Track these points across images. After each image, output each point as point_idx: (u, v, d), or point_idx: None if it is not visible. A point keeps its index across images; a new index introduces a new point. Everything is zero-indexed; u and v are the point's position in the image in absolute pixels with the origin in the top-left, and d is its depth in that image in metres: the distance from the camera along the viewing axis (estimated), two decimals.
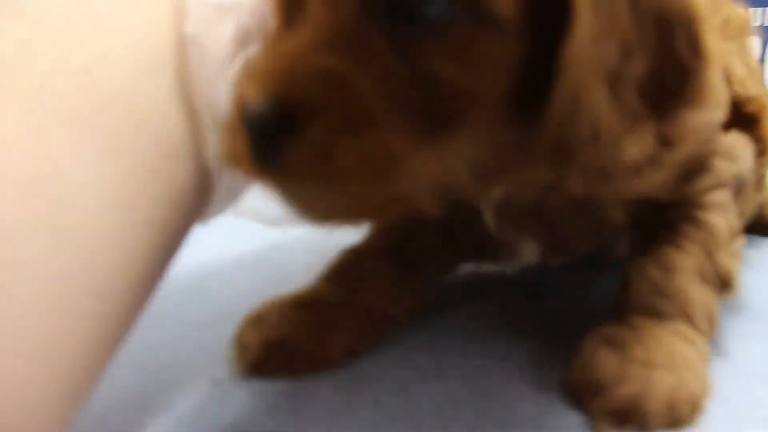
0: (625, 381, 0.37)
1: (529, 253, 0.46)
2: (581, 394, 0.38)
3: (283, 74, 0.27)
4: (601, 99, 0.29)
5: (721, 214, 0.42)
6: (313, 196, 0.29)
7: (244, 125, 0.27)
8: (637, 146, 0.31)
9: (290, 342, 0.42)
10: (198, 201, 0.34)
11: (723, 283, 0.42)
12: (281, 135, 0.27)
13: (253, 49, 0.32)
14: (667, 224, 0.42)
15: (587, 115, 0.29)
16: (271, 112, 0.27)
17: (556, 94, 0.29)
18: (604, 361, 0.38)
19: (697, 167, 0.41)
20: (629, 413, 0.36)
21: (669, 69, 0.31)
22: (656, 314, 0.40)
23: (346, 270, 0.45)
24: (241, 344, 0.42)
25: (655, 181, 0.33)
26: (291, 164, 0.27)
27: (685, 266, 0.41)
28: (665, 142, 0.32)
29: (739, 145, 0.44)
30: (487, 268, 0.52)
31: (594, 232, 0.46)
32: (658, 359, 0.38)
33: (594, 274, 0.56)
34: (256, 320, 0.43)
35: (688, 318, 0.40)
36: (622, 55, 0.30)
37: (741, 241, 0.45)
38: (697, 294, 0.41)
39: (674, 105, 0.32)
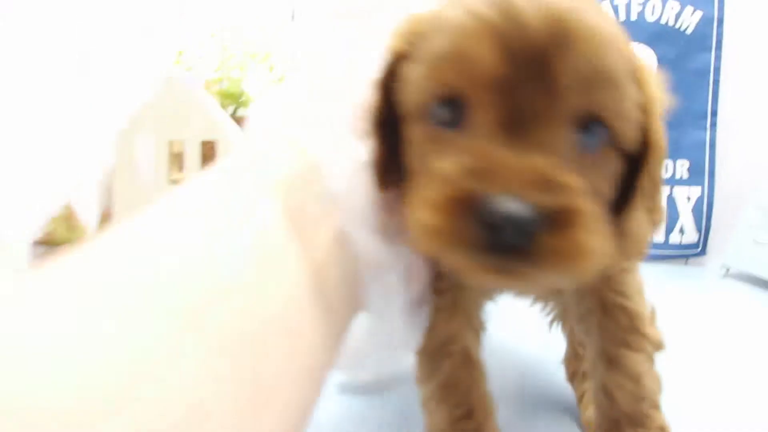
0: None
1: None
2: None
3: (536, 182, 0.34)
4: (641, 207, 0.42)
5: (640, 293, 0.54)
6: (544, 278, 0.36)
7: (481, 218, 0.34)
8: (647, 230, 0.43)
9: None
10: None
11: (657, 348, 0.54)
12: (536, 231, 0.34)
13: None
14: (613, 312, 0.53)
15: (641, 218, 0.43)
16: (532, 214, 0.33)
17: (635, 202, 0.41)
18: None
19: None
20: None
21: (657, 180, 0.43)
22: (640, 421, 0.52)
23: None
24: None
25: (644, 252, 0.45)
26: (544, 255, 0.34)
27: (641, 366, 0.52)
28: (655, 223, 0.45)
29: None
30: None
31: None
32: None
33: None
34: None
35: (655, 406, 0.53)
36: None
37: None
38: (654, 381, 0.53)
39: (657, 204, 0.44)
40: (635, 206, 0.42)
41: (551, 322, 0.65)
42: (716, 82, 1.71)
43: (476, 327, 0.57)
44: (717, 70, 1.71)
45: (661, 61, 1.70)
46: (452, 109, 0.39)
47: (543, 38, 0.36)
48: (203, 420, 0.29)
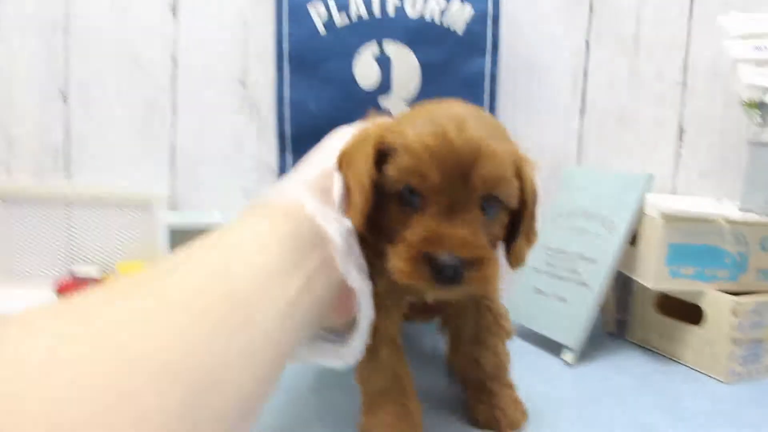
0: (507, 415, 0.91)
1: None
2: (486, 425, 0.91)
3: (462, 245, 0.67)
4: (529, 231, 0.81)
5: (500, 301, 0.96)
6: (467, 291, 0.70)
7: (432, 265, 0.67)
8: (526, 248, 0.81)
9: None
10: None
11: (509, 336, 0.96)
12: (462, 270, 0.67)
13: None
14: (484, 312, 0.93)
15: (525, 238, 0.80)
16: (459, 262, 0.67)
17: (521, 235, 0.79)
18: (492, 411, 0.91)
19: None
20: (513, 425, 0.90)
21: (532, 216, 0.81)
22: (497, 379, 0.93)
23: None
24: None
25: (523, 263, 0.82)
26: (465, 281, 0.68)
27: (499, 346, 0.94)
28: (530, 245, 0.82)
29: None
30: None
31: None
32: (510, 400, 0.93)
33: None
34: None
35: (506, 371, 0.94)
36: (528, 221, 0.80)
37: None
38: (506, 356, 0.95)
39: (533, 232, 0.82)
40: (519, 237, 0.79)
41: (441, 326, 1.05)
42: (492, 92, 1.43)
43: (399, 329, 0.89)
44: (493, 77, 1.43)
45: (427, 67, 1.30)
46: (414, 198, 0.72)
47: (465, 160, 0.69)
48: None
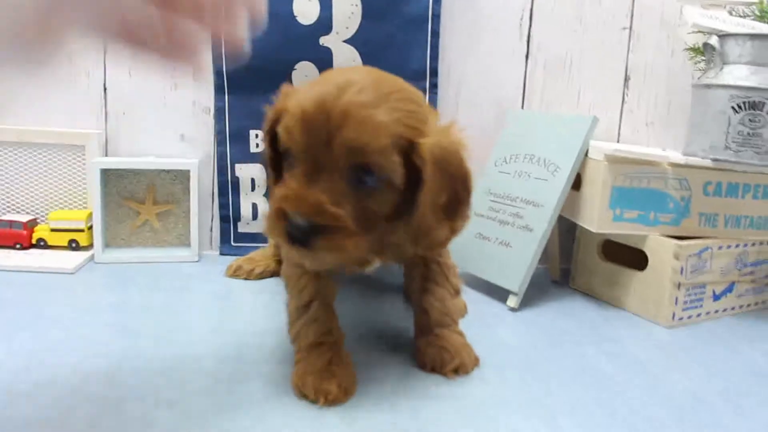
0: (455, 357, 0.91)
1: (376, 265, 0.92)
2: (433, 367, 0.92)
3: (313, 209, 0.71)
4: (430, 215, 0.77)
5: (450, 258, 1.00)
6: (321, 258, 0.73)
7: (286, 226, 0.72)
8: (442, 232, 0.80)
9: None
10: None
11: (457, 293, 0.99)
12: (311, 234, 0.71)
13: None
14: (431, 265, 0.97)
15: (425, 222, 0.77)
16: (307, 225, 0.70)
17: (415, 215, 0.76)
18: (439, 353, 0.92)
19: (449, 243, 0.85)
20: (461, 368, 0.91)
21: (456, 199, 0.79)
22: (445, 325, 0.95)
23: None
24: None
25: (442, 245, 0.83)
26: (315, 247, 0.71)
27: (445, 295, 0.96)
28: (453, 231, 0.81)
29: None
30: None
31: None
32: (458, 344, 0.94)
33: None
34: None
35: (454, 321, 0.97)
36: (438, 195, 0.77)
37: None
38: (454, 306, 0.97)
39: (457, 215, 0.81)
40: (416, 215, 0.77)
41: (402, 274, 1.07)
42: (435, 32, 1.39)
43: (332, 287, 0.93)
44: (436, 17, 1.38)
45: (369, 5, 1.22)
46: (290, 157, 0.77)
47: (332, 124, 0.72)
48: None
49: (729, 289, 1.24)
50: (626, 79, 1.47)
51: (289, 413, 0.79)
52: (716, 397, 0.89)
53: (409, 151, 0.75)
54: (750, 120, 1.16)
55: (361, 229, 0.74)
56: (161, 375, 0.87)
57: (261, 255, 1.35)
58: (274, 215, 0.73)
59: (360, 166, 0.73)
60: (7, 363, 0.88)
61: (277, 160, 0.83)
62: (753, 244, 1.25)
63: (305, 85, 0.79)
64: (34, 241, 1.38)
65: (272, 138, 0.83)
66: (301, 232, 0.71)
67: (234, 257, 1.38)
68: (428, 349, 0.93)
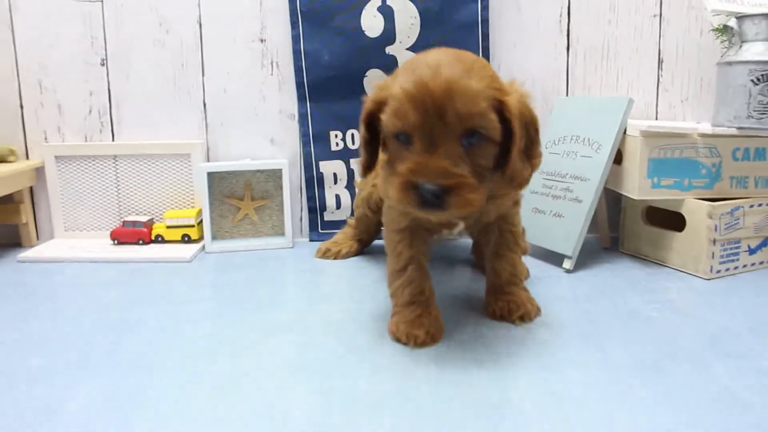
0: (521, 307, 1.10)
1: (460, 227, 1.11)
2: (501, 315, 1.11)
3: (440, 173, 0.85)
4: (519, 159, 0.93)
5: (520, 223, 1.17)
6: (452, 214, 0.88)
7: (417, 192, 0.85)
8: (526, 171, 0.95)
9: None
10: None
11: (525, 253, 1.25)
12: (443, 195, 0.84)
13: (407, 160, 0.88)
14: (504, 233, 1.13)
15: (517, 166, 0.93)
16: (439, 188, 0.84)
17: (510, 161, 0.92)
18: (507, 304, 1.11)
19: (519, 201, 1.14)
20: (525, 315, 1.10)
21: (531, 142, 0.96)
22: (513, 284, 1.13)
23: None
24: None
25: (527, 182, 0.97)
26: (448, 205, 0.85)
27: (515, 259, 1.14)
28: (533, 167, 0.97)
29: None
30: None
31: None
32: (523, 297, 1.13)
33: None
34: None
35: (521, 280, 1.15)
36: (522, 138, 0.93)
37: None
38: (521, 268, 1.18)
39: (534, 154, 0.97)
40: (510, 161, 0.91)
41: (471, 236, 1.36)
42: (485, 34, 1.58)
43: (425, 250, 1.08)
44: (485, 21, 1.58)
45: (426, 15, 1.53)
46: (405, 136, 0.89)
47: (439, 99, 0.84)
48: None
49: (764, 244, 1.40)
50: (660, 61, 1.63)
51: (388, 355, 0.99)
52: (746, 330, 1.05)
53: (499, 109, 0.88)
54: None
55: (478, 181, 0.88)
56: (287, 330, 1.09)
57: (343, 237, 1.56)
58: (403, 187, 0.86)
59: (469, 130, 0.86)
60: (162, 321, 1.11)
61: (372, 143, 0.99)
62: None
63: (397, 74, 0.92)
64: (153, 237, 1.63)
65: (368, 124, 0.97)
66: (433, 195, 0.83)
67: (322, 242, 1.60)
68: (498, 302, 1.12)
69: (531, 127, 0.95)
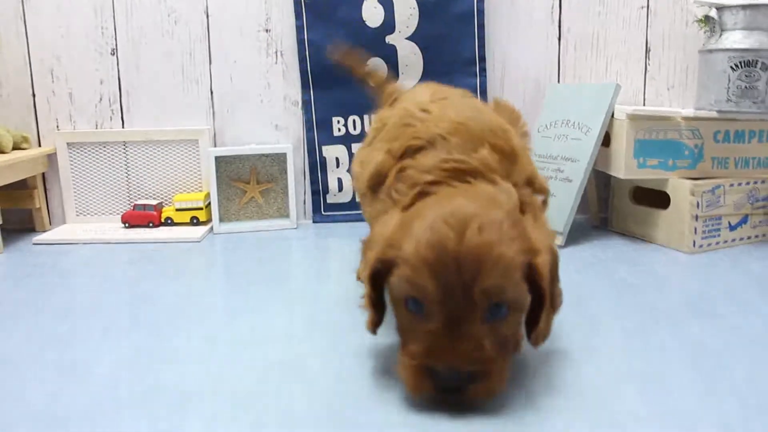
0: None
1: None
2: None
3: (464, 359, 0.71)
4: (546, 321, 0.81)
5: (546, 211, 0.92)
6: (474, 402, 0.74)
7: (436, 381, 0.72)
8: (549, 323, 0.82)
9: None
10: None
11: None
12: (466, 383, 0.71)
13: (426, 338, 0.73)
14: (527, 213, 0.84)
15: (547, 327, 0.80)
16: (461, 375, 0.71)
17: (540, 327, 0.79)
18: None
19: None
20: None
21: (553, 289, 0.83)
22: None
23: None
24: None
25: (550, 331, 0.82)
26: (471, 394, 0.72)
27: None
28: (555, 310, 0.83)
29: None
30: None
31: None
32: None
33: None
34: None
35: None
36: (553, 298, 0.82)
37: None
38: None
39: (555, 297, 0.83)
40: (539, 327, 0.78)
41: None
42: (481, 26, 1.66)
43: None
44: (480, 12, 1.66)
45: (424, 6, 1.64)
46: (417, 304, 0.73)
47: (466, 272, 0.69)
48: None
49: (743, 221, 1.48)
50: (647, 50, 1.71)
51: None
52: (721, 296, 1.14)
53: (529, 273, 0.74)
54: (746, 76, 1.40)
55: (504, 358, 0.75)
56: (296, 301, 1.16)
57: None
58: (418, 372, 0.73)
59: (497, 305, 0.72)
60: (179, 293, 1.19)
61: (380, 300, 0.83)
62: (763, 182, 1.48)
63: (407, 221, 0.77)
64: (162, 220, 1.70)
65: (374, 282, 0.80)
66: (454, 383, 0.71)
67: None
68: None
69: (557, 270, 0.82)
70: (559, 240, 1.46)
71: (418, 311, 0.73)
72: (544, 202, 0.92)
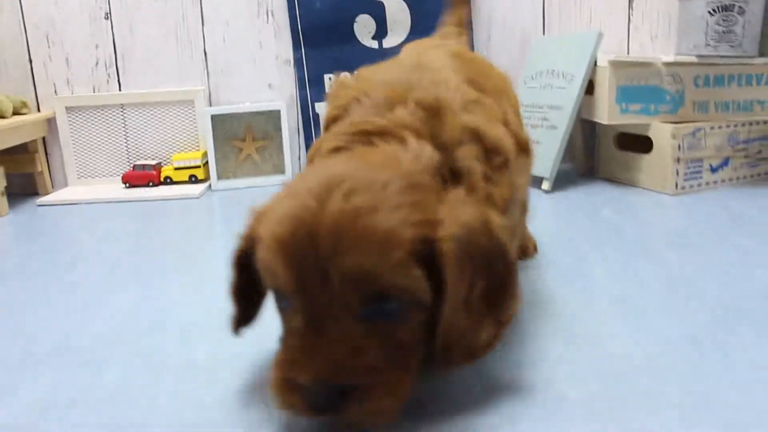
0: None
1: None
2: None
3: (331, 367, 0.52)
4: (462, 316, 0.57)
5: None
6: (360, 425, 0.55)
7: (303, 397, 0.53)
8: (484, 332, 0.59)
9: None
10: None
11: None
12: (339, 399, 0.52)
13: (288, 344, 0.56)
14: None
15: (456, 327, 0.57)
16: (331, 389, 0.52)
17: (441, 323, 0.56)
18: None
19: (497, 343, 0.62)
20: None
21: (499, 284, 0.59)
22: None
23: None
24: None
25: (487, 349, 0.60)
26: (349, 414, 0.53)
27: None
28: (500, 324, 0.60)
29: None
30: None
31: None
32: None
33: None
34: None
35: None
36: (470, 287, 0.57)
37: None
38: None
39: (503, 302, 0.60)
40: (444, 320, 0.56)
41: None
42: None
43: None
44: None
45: None
46: (281, 296, 0.58)
47: (321, 251, 0.51)
48: None
49: (725, 163, 1.53)
50: (630, 1, 1.75)
51: None
52: (699, 231, 1.19)
53: (429, 252, 0.55)
54: (723, 20, 1.44)
55: (398, 370, 0.56)
56: None
57: None
58: (282, 387, 0.55)
59: (374, 296, 0.53)
60: (184, 242, 1.24)
61: (244, 294, 0.66)
62: (743, 125, 1.53)
63: (281, 193, 0.60)
64: (162, 179, 1.75)
65: (241, 267, 0.64)
66: (325, 398, 0.53)
67: None
68: None
69: (496, 262, 0.60)
70: (546, 185, 1.51)
71: (285, 306, 0.57)
72: (526, 155, 0.76)
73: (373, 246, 0.51)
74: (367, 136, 0.65)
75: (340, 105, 0.72)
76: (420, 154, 0.61)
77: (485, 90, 0.75)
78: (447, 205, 0.57)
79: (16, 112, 1.73)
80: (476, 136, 0.66)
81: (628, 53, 1.77)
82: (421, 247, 0.54)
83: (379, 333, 0.54)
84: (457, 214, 0.57)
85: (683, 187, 1.47)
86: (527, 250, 1.05)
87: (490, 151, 0.67)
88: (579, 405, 0.62)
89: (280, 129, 1.77)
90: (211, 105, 1.80)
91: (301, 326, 0.54)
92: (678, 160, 1.45)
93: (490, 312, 0.59)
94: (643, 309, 0.85)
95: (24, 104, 1.75)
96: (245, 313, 0.67)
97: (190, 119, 1.80)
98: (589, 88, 1.54)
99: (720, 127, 1.51)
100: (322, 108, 1.78)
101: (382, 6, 1.70)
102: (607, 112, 1.49)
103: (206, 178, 1.76)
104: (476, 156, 0.65)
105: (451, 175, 0.63)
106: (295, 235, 0.52)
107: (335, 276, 0.51)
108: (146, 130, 1.81)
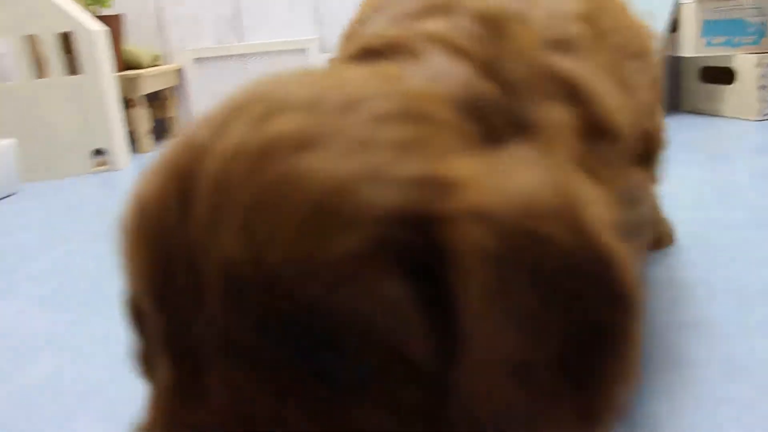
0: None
1: None
2: None
3: None
4: (507, 389, 0.26)
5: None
6: None
7: None
8: (553, 424, 0.27)
9: None
10: None
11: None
12: None
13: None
14: None
15: (491, 406, 0.26)
16: None
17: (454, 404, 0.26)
18: None
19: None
20: None
21: (587, 333, 0.27)
22: None
23: None
24: None
25: None
26: None
27: None
28: (587, 416, 0.27)
29: None
30: None
31: None
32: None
33: None
34: None
35: None
36: (524, 342, 0.26)
37: None
38: None
39: (598, 374, 0.27)
40: (465, 391, 0.27)
41: None
42: None
43: None
44: None
45: None
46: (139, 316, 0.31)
47: (197, 224, 0.26)
48: None
49: None
50: None
51: None
52: None
53: (427, 244, 0.26)
54: None
55: None
56: None
57: None
58: None
59: (293, 324, 0.25)
60: None
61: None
62: None
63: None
64: None
65: None
66: None
67: None
68: None
69: (595, 288, 0.27)
70: None
71: (145, 334, 0.33)
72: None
73: (296, 217, 0.25)
74: (371, 53, 0.38)
75: (355, 20, 0.51)
76: (441, 74, 0.35)
77: (605, 44, 0.45)
78: (478, 157, 0.29)
79: (150, 65, 1.96)
80: (572, 93, 0.38)
81: None
82: (407, 232, 0.26)
83: (314, 398, 0.26)
84: (499, 174, 0.27)
85: (767, 114, 1.57)
86: (662, 238, 0.77)
87: (593, 127, 0.38)
88: None
89: None
90: (322, 52, 2.00)
91: (169, 368, 0.27)
92: (763, 87, 1.56)
93: (571, 391, 0.27)
94: (736, 201, 0.98)
95: (156, 57, 1.97)
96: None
97: (305, 66, 1.99)
98: (673, 27, 1.66)
99: None
100: None
101: None
102: (692, 46, 1.61)
103: None
104: (567, 124, 0.37)
105: (511, 126, 0.35)
106: (159, 201, 0.27)
107: (214, 274, 0.25)
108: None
